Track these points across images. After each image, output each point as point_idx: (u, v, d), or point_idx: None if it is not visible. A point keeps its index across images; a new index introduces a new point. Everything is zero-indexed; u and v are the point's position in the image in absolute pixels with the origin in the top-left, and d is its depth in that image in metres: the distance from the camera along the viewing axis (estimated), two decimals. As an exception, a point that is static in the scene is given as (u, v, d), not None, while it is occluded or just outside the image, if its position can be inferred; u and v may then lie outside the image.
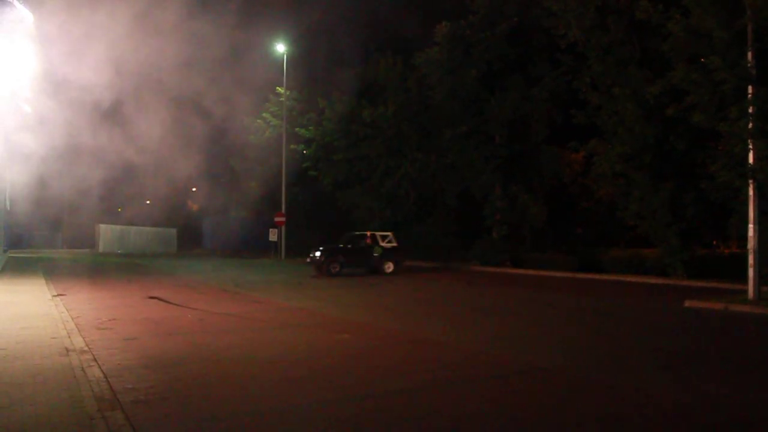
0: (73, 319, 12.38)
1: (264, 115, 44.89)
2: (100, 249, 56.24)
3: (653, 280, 22.92)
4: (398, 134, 36.74)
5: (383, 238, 26.13)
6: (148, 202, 68.92)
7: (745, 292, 16.12)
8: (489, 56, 31.19)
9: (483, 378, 7.79)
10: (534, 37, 30.91)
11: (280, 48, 40.25)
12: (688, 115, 18.40)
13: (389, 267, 25.59)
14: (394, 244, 26.13)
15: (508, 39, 31.01)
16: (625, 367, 8.44)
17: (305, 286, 20.99)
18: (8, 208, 31.09)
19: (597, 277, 25.00)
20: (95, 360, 8.44)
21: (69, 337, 10.10)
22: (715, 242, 30.19)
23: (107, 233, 58.02)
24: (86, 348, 9.28)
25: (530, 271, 28.12)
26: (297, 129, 41.86)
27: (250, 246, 50.65)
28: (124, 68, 20.31)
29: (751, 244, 16.15)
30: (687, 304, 15.70)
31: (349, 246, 25.57)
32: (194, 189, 68.24)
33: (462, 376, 7.89)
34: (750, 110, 16.02)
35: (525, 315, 14.24)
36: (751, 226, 16.21)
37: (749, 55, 16.08)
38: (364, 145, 37.77)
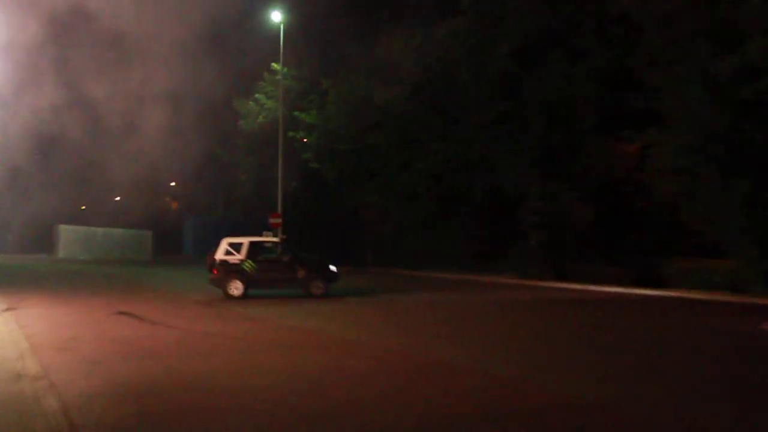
0: (26, 338, 12.35)
1: (257, 96, 44.94)
2: (60, 254, 56.45)
3: (725, 298, 22.58)
4: (416, 120, 36.59)
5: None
6: (118, 198, 69.11)
7: (838, 312, 15.83)
8: (525, 27, 30.94)
9: (509, 413, 7.60)
10: (580, 5, 30.66)
11: (276, 17, 40.18)
12: (767, 97, 18.13)
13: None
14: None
15: (549, 6, 30.77)
16: (690, 403, 8.23)
17: (307, 303, 20.87)
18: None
19: (656, 293, 24.70)
20: (52, 388, 8.36)
21: (21, 359, 10.05)
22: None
23: (69, 235, 58.21)
24: (42, 373, 9.22)
25: (575, 285, 27.84)
26: (296, 113, 41.84)
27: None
28: (91, 38, 20.35)
29: None
30: (766, 326, 15.45)
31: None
32: (173, 184, 68.47)
33: (484, 409, 7.71)
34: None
35: (567, 337, 14.04)
36: None
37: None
38: (375, 133, 37.66)
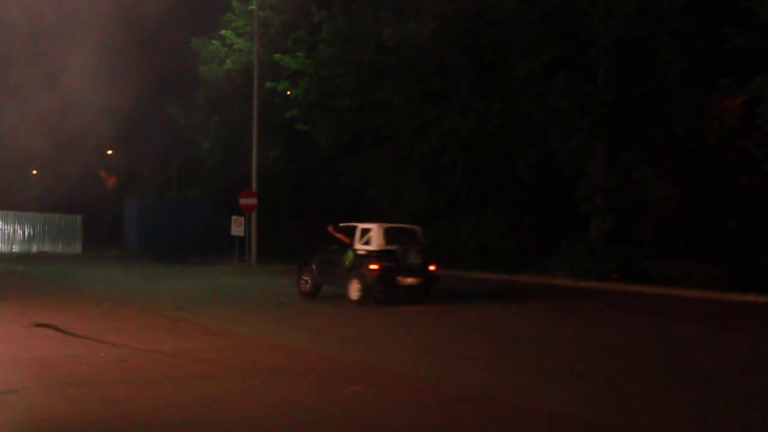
0: None
1: (223, 33, 44.76)
2: (-45, 246, 56.59)
3: None
4: (440, 67, 36.50)
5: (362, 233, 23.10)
6: (35, 172, 69.19)
7: None
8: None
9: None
10: None
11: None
12: None
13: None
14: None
15: None
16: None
17: (291, 311, 20.89)
18: None
19: (764, 299, 24.62)
20: (-54, 426, 8.31)
21: None
22: None
23: (-33, 221, 58.36)
24: (-68, 406, 9.17)
25: (652, 289, 27.80)
26: (277, 56, 41.72)
27: (200, 244, 50.74)
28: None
29: None
30: None
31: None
32: (111, 152, 68.59)
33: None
34: None
35: (640, 360, 14.08)
36: None
37: None
38: (385, 85, 37.57)
